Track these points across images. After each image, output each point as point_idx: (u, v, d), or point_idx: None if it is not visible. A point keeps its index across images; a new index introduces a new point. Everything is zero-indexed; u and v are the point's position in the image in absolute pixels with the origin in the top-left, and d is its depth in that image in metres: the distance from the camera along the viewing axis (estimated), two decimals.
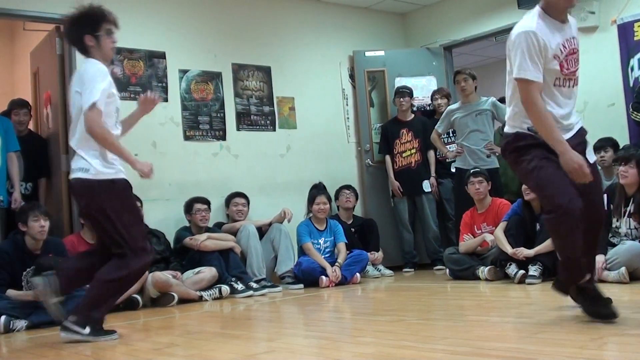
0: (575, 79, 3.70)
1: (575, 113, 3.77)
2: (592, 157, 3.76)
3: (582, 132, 3.78)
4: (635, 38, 7.17)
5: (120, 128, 4.47)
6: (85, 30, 4.32)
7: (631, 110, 6.72)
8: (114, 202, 4.26)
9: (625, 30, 7.26)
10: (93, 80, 4.21)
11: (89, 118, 4.14)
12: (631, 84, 7.17)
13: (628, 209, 5.68)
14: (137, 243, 4.28)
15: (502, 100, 7.78)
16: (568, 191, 3.42)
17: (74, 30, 4.39)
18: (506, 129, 3.83)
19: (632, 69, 7.20)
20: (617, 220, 5.73)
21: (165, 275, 6.20)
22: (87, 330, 4.22)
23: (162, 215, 7.07)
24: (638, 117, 6.60)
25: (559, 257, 3.68)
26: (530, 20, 3.59)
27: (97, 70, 4.28)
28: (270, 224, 7.42)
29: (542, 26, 3.56)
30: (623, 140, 6.98)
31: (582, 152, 3.61)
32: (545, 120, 3.50)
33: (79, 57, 6.70)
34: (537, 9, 3.65)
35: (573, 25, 3.74)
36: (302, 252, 7.32)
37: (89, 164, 4.23)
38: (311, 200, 7.55)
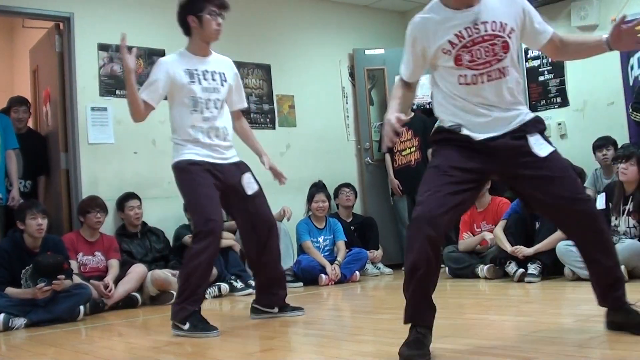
0: (500, 69, 3.10)
1: (518, 112, 3.17)
2: (544, 149, 3.12)
3: (528, 123, 3.17)
4: None
5: (205, 114, 4.48)
6: (189, 10, 4.44)
7: (631, 110, 6.71)
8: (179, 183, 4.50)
9: None
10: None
11: None
12: (631, 83, 7.18)
13: (627, 207, 5.68)
14: (197, 226, 4.35)
15: None
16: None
17: (180, 12, 4.51)
18: None
19: (631, 68, 7.19)
20: (616, 219, 5.72)
21: (165, 273, 6.20)
22: (187, 325, 4.22)
23: (161, 213, 7.06)
24: (638, 117, 6.59)
25: None
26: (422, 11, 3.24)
27: (153, 68, 4.55)
28: None
29: (427, 18, 3.18)
30: (622, 139, 6.99)
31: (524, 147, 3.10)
32: (389, 103, 3.38)
33: (78, 54, 6.80)
34: None
35: (493, 7, 3.11)
36: (301, 250, 7.32)
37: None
38: (310, 199, 7.54)
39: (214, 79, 4.52)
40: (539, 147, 3.11)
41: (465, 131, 3.14)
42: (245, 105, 4.80)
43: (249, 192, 4.58)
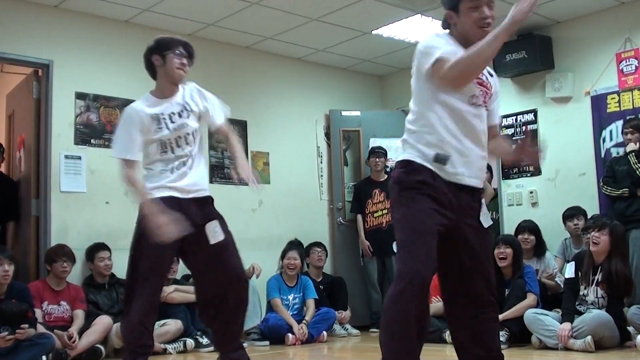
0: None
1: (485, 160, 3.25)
2: (487, 220, 3.19)
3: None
4: (608, 110, 7.28)
5: (178, 165, 4.21)
6: (154, 50, 4.26)
7: (602, 184, 6.78)
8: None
9: (598, 102, 7.38)
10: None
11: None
12: (602, 155, 7.27)
13: (596, 277, 5.71)
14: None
15: None
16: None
17: (146, 53, 4.31)
18: (401, 156, 3.30)
19: (604, 140, 7.30)
20: (585, 288, 5.75)
21: None
22: None
23: None
24: (608, 191, 6.65)
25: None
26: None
27: (120, 120, 4.24)
28: None
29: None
30: (592, 209, 7.06)
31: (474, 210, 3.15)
32: None
33: (55, 101, 6.78)
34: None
35: None
36: (269, 306, 7.27)
37: None
38: (283, 255, 7.52)
39: (180, 117, 4.24)
40: (484, 215, 3.15)
41: (449, 167, 3.08)
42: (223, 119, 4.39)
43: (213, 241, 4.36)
